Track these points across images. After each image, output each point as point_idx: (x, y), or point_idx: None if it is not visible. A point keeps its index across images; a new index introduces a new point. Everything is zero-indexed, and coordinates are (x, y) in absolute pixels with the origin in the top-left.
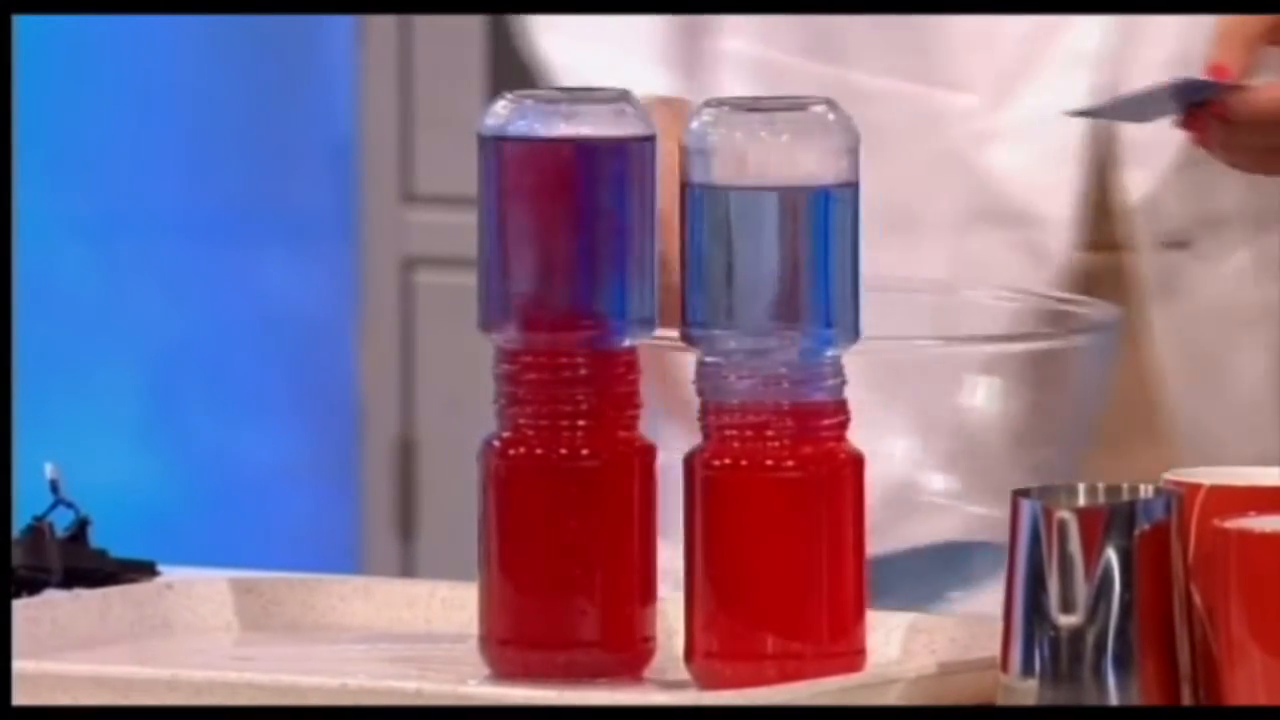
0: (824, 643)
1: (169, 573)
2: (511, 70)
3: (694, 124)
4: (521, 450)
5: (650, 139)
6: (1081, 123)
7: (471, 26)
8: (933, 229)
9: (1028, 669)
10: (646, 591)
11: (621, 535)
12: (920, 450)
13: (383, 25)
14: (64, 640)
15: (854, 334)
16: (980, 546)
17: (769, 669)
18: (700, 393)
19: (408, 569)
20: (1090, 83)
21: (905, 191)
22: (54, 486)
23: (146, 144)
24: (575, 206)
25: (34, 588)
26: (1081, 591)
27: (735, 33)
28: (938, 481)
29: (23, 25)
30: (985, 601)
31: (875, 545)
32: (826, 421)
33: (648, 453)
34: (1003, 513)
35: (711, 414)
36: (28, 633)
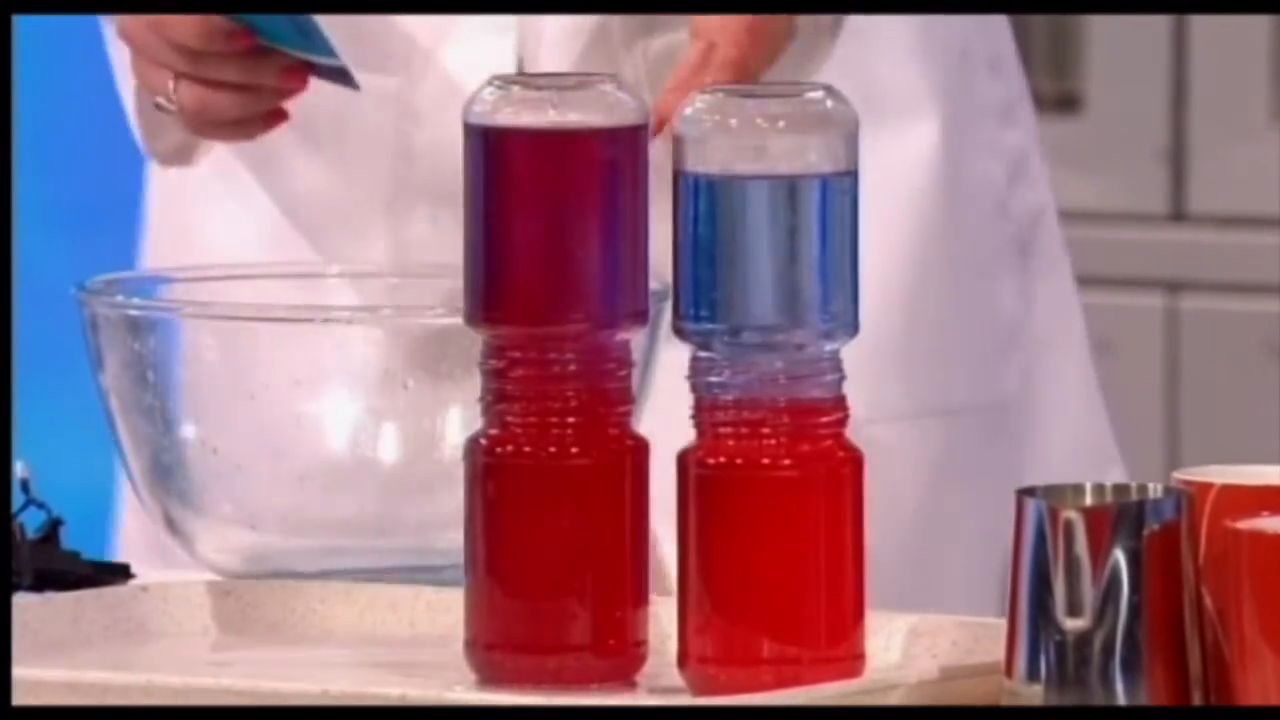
0: (822, 647)
1: (144, 575)
2: None
3: (688, 111)
4: (509, 448)
5: (641, 127)
6: None
7: None
8: (369, 214)
9: (1033, 673)
10: (639, 594)
11: (613, 536)
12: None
13: None
14: (35, 645)
15: (853, 328)
16: None
17: (765, 674)
18: (694, 389)
19: None
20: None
21: (340, 179)
22: (25, 486)
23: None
24: (564, 197)
25: None
26: (1088, 594)
27: None
28: None
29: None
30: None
31: None
32: (824, 419)
33: (640, 451)
34: None
35: (705, 411)
36: None
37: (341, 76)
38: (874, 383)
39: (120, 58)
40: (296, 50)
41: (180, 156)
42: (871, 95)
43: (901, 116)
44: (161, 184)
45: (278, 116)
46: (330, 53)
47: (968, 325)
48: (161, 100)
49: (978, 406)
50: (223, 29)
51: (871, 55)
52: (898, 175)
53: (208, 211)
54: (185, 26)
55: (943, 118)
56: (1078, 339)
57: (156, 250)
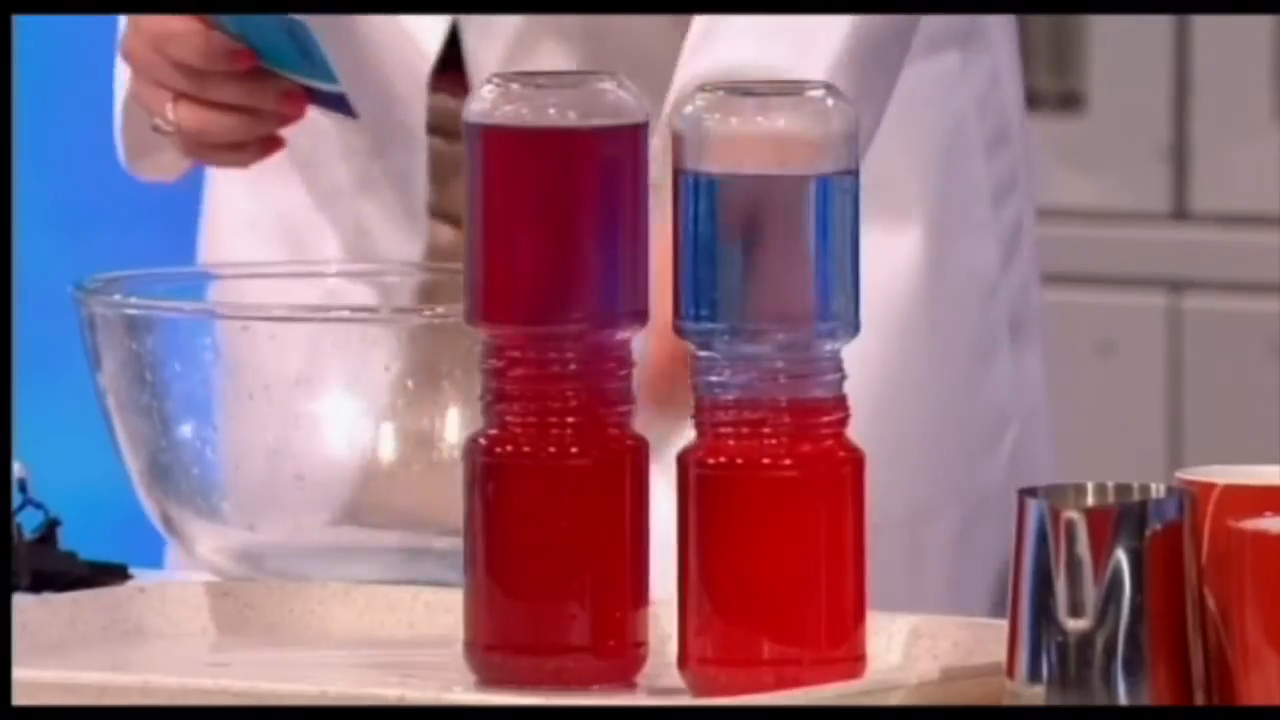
0: (822, 648)
1: (141, 576)
2: None
3: (687, 109)
4: (509, 448)
5: (641, 126)
6: None
7: None
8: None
9: (1034, 675)
10: (639, 595)
11: (613, 537)
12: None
13: None
14: (32, 646)
15: (854, 328)
16: None
17: (765, 675)
18: (694, 388)
19: None
20: None
21: (296, 220)
22: (22, 486)
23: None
24: (563, 196)
25: None
26: (1090, 594)
27: None
28: None
29: None
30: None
31: None
32: (825, 419)
33: (639, 451)
34: None
35: (706, 410)
36: None
37: (340, 104)
38: None
39: (120, 75)
40: (297, 74)
41: (164, 175)
42: None
43: (880, 223)
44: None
45: (274, 144)
46: (331, 78)
47: (953, 425)
48: (160, 122)
49: (960, 502)
50: (225, 49)
51: None
52: (875, 286)
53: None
54: (188, 45)
55: (927, 223)
56: (1046, 404)
57: (203, 234)
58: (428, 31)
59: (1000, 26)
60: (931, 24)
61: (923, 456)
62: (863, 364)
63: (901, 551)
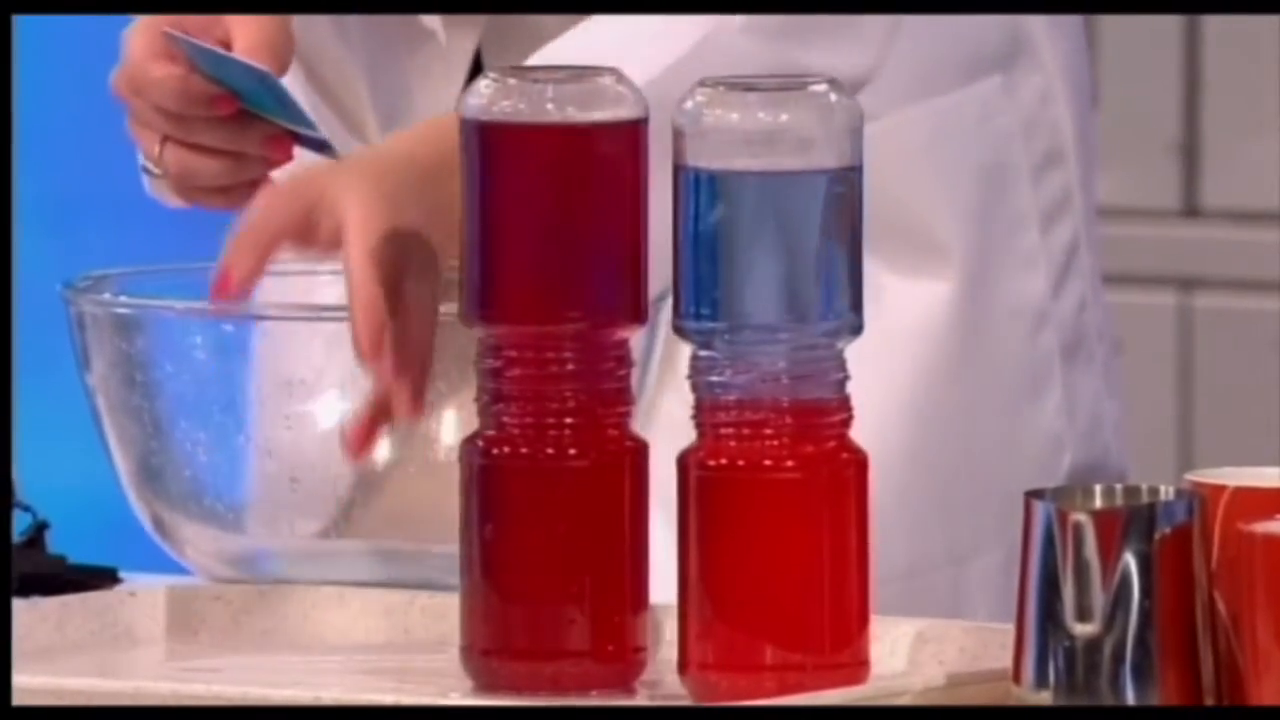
0: (825, 653)
1: (131, 580)
2: None
3: (688, 104)
4: (506, 450)
5: (641, 121)
6: None
7: None
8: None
9: (1041, 680)
10: (638, 599)
11: (611, 539)
12: None
13: None
14: (20, 651)
15: (857, 327)
16: None
17: (767, 681)
18: (695, 389)
19: None
20: None
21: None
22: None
23: (113, 127)
24: (561, 192)
25: None
26: (1098, 599)
27: None
28: None
29: None
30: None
31: None
32: (828, 419)
33: (639, 452)
34: None
35: (706, 411)
36: None
37: (324, 148)
38: (885, 543)
39: None
40: (278, 119)
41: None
42: (884, 239)
43: (911, 267)
44: None
45: (264, 185)
46: (309, 124)
47: (997, 465)
48: (149, 163)
49: (1003, 541)
50: (204, 94)
51: (883, 197)
52: (907, 331)
53: None
54: (166, 90)
55: (963, 262)
56: (1120, 421)
57: None
58: (455, 54)
59: (1053, 41)
60: (966, 50)
61: (963, 500)
62: (896, 410)
63: (941, 594)
